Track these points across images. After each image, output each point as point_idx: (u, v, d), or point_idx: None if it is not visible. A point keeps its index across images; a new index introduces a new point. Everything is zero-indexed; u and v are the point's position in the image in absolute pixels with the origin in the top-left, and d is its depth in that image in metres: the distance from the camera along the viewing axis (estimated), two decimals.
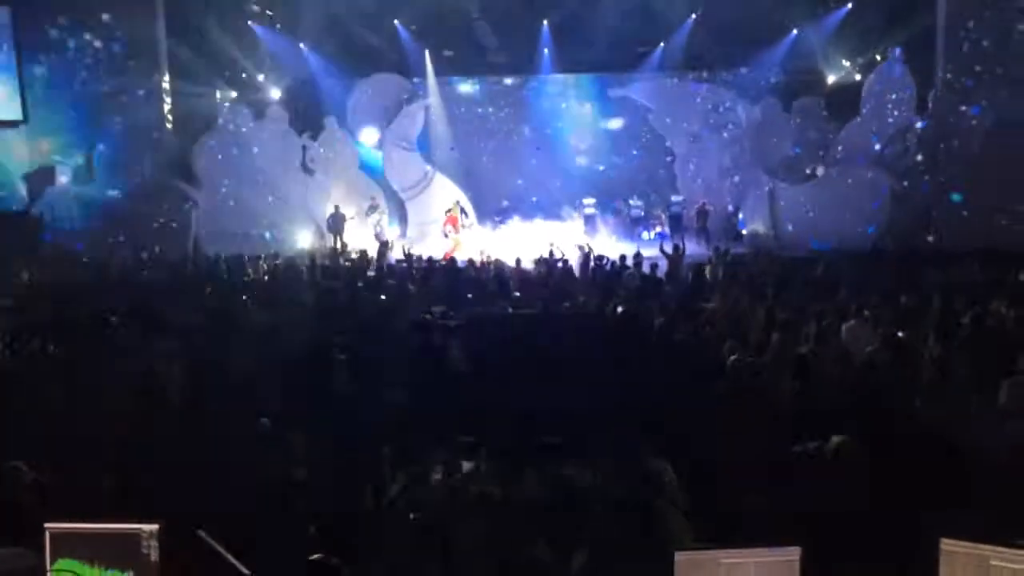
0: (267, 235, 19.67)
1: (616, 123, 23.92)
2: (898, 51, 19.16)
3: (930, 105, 18.72)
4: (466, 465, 5.45)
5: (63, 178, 19.41)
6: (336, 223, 20.43)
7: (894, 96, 19.10)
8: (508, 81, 24.10)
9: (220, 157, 19.95)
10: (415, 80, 23.00)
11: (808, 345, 7.96)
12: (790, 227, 19.25)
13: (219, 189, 19.76)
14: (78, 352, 8.90)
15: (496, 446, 5.68)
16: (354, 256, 18.42)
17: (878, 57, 20.27)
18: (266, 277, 14.44)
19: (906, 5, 19.27)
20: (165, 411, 7.00)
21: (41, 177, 19.39)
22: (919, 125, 18.88)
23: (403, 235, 22.06)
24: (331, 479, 5.67)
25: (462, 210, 21.12)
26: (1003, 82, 18.22)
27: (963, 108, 18.41)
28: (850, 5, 20.48)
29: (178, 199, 19.03)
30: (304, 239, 20.53)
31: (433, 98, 23.25)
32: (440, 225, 21.16)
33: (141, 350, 8.62)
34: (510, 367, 8.09)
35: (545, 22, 22.00)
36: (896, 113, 19.08)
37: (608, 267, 14.55)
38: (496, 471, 5.37)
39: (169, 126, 19.65)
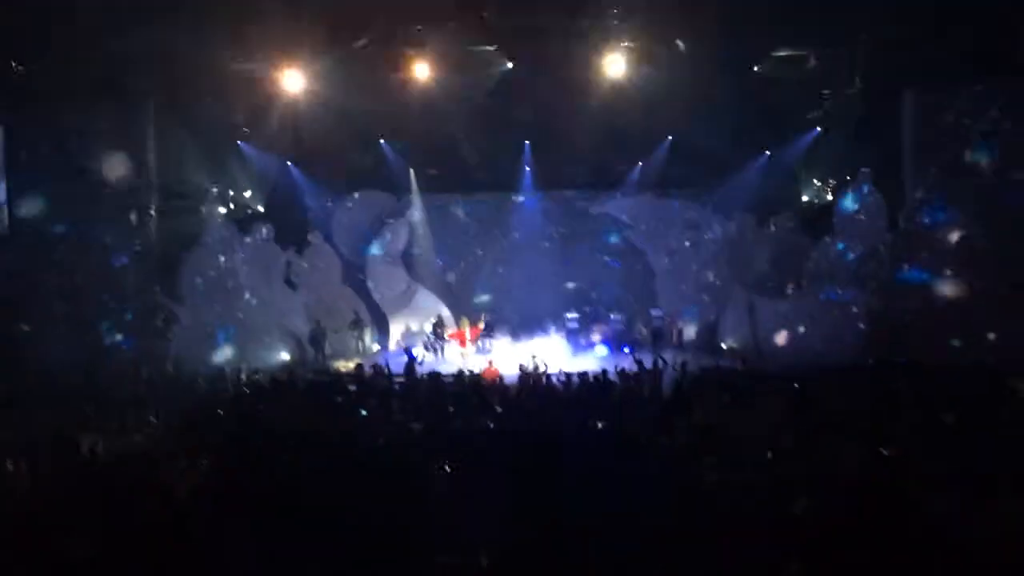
0: (250, 349, 19.57)
1: (597, 239, 24.35)
2: (867, 171, 19.89)
3: (900, 222, 19.24)
4: None
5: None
6: (318, 337, 20.48)
7: (865, 214, 19.67)
8: (491, 198, 24.56)
9: (205, 272, 20.06)
10: (400, 196, 23.48)
11: (790, 463, 7.92)
12: (769, 341, 19.42)
13: (203, 304, 19.78)
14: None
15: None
16: (337, 370, 18.27)
17: (848, 177, 20.96)
18: (246, 391, 14.29)
19: (873, 126, 20.01)
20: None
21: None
22: (890, 242, 19.37)
23: (385, 348, 22.11)
24: None
25: (440, 325, 21.23)
26: (970, 197, 18.79)
27: (932, 225, 18.95)
28: (819, 128, 21.26)
29: (160, 314, 18.98)
30: (286, 353, 20.48)
31: (417, 214, 23.71)
32: (425, 338, 21.35)
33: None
34: (491, 485, 7.98)
35: (527, 141, 22.71)
36: (867, 230, 19.61)
37: (591, 381, 14.51)
38: None
39: (154, 241, 19.76)
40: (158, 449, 9.12)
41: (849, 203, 19.99)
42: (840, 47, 18.98)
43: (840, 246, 19.88)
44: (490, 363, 17.31)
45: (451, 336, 20.85)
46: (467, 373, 15.32)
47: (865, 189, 19.80)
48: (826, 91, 20.66)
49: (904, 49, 17.79)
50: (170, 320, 19.03)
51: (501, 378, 14.91)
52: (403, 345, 20.87)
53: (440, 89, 19.68)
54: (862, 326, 18.49)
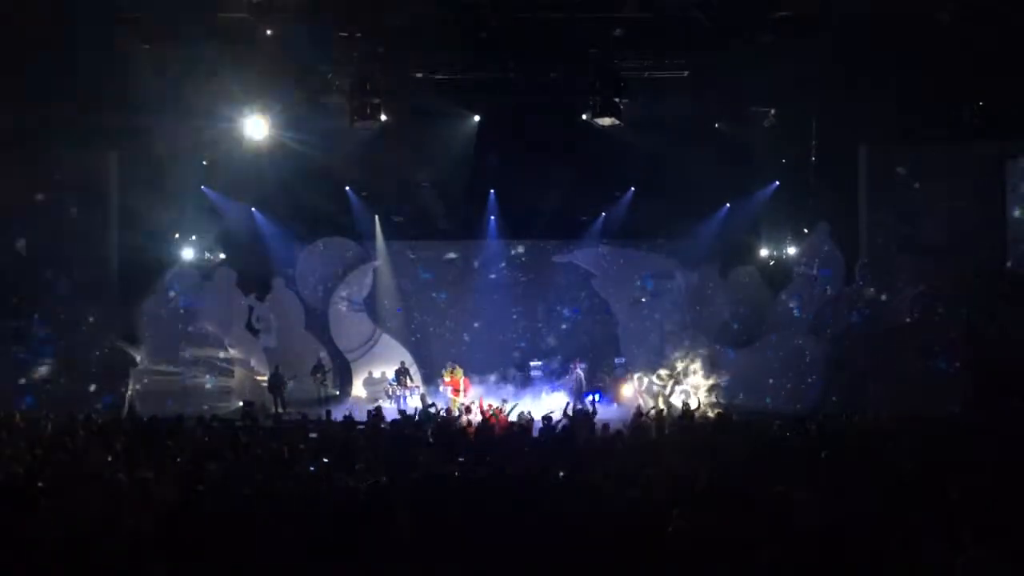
0: (208, 395, 19.29)
1: (560, 288, 24.41)
2: (825, 224, 20.35)
3: (857, 275, 19.65)
4: None
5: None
6: (277, 383, 20.22)
7: (822, 266, 20.09)
8: (456, 246, 24.55)
9: (165, 317, 19.81)
10: (364, 243, 23.44)
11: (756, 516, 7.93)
12: (729, 391, 19.62)
13: (162, 349, 19.50)
14: None
15: None
16: (297, 416, 18.02)
17: (806, 229, 21.39)
18: (206, 439, 14.03)
19: (830, 180, 20.50)
20: None
21: None
22: (847, 293, 19.76)
23: (347, 396, 21.91)
24: None
25: (403, 373, 21.18)
26: (926, 250, 19.26)
27: (889, 277, 19.38)
28: (778, 182, 21.69)
29: (118, 359, 18.68)
30: (246, 399, 20.12)
31: (381, 261, 23.65)
32: (387, 385, 21.28)
33: None
34: (452, 536, 7.89)
35: (492, 191, 22.90)
36: (825, 282, 20.01)
37: (555, 429, 14.46)
38: None
39: (115, 284, 19.56)
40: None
41: (806, 254, 20.43)
42: (798, 104, 19.48)
43: (798, 297, 20.23)
44: (500, 410, 16.57)
45: (447, 383, 20.72)
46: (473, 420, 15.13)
47: (822, 241, 20.26)
48: (785, 146, 21.12)
49: (859, 108, 18.35)
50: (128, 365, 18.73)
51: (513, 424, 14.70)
52: (406, 394, 20.73)
53: (406, 138, 19.85)
54: (819, 376, 18.76)
